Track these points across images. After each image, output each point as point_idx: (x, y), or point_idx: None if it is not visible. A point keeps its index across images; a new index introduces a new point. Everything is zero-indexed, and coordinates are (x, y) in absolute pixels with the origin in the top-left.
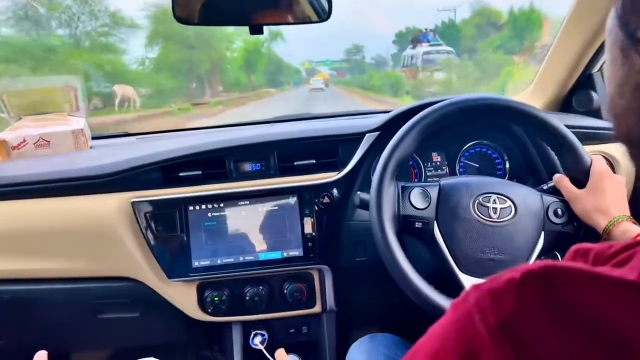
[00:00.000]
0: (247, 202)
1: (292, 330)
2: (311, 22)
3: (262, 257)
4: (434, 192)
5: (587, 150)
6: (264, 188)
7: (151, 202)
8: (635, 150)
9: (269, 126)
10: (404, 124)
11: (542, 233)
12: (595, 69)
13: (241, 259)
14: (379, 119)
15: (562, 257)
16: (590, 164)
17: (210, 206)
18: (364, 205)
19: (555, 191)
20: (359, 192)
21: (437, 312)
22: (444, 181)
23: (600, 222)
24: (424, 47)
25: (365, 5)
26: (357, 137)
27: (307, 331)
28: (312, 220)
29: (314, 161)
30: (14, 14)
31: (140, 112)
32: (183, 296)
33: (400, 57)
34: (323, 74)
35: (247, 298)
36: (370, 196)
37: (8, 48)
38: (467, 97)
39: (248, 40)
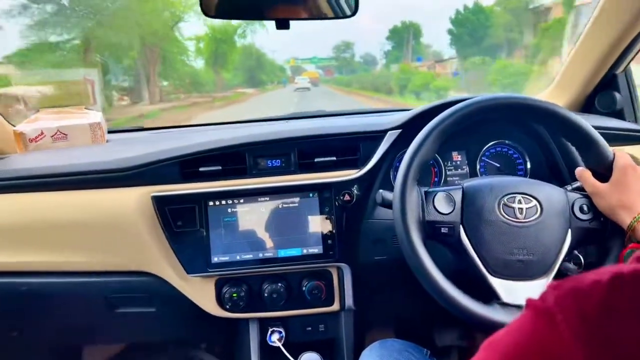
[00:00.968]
0: (267, 199)
1: (309, 328)
2: (335, 17)
3: (281, 253)
4: (457, 196)
5: None
6: (284, 184)
7: (171, 197)
8: None
9: (284, 123)
10: (426, 122)
11: (569, 230)
12: (619, 70)
13: (260, 255)
14: (400, 117)
15: (586, 253)
16: (613, 158)
17: (229, 202)
18: (387, 204)
19: (580, 191)
20: (381, 190)
21: (470, 318)
22: (467, 183)
23: (625, 219)
24: None
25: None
26: (378, 135)
27: (324, 329)
28: (332, 217)
29: (335, 158)
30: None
31: None
32: (201, 292)
33: (395, 55)
34: (312, 72)
35: (266, 295)
36: (393, 203)
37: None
38: (488, 96)
39: (214, 26)
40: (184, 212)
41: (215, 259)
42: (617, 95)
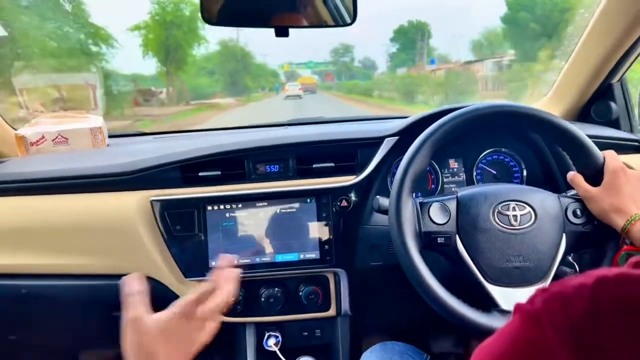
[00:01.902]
0: (265, 204)
1: (306, 333)
2: (335, 25)
3: (279, 258)
4: (452, 205)
5: None
6: (282, 190)
7: (170, 201)
8: None
9: (283, 129)
10: (424, 129)
11: (564, 235)
12: (615, 79)
13: (257, 260)
14: (398, 124)
15: (581, 258)
16: (604, 161)
17: (228, 206)
18: (383, 210)
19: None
20: (377, 197)
21: (472, 327)
22: (462, 193)
23: (618, 221)
24: None
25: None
26: (376, 142)
27: (320, 334)
28: (330, 223)
29: (333, 164)
30: None
31: None
32: None
33: (402, 57)
34: (307, 78)
35: (263, 299)
36: (389, 216)
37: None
38: (483, 104)
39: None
40: (182, 217)
41: (213, 263)
42: (612, 104)
